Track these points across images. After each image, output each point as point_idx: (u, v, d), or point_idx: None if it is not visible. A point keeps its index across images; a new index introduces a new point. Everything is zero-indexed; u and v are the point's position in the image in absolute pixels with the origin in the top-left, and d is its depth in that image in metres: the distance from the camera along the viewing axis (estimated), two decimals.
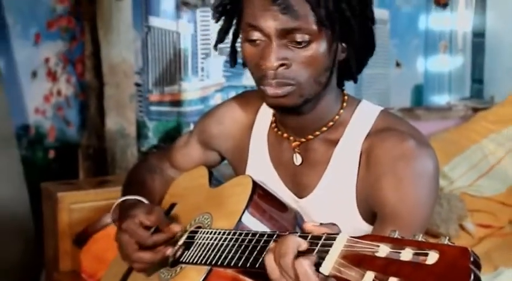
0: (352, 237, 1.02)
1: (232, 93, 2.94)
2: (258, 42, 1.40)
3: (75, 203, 2.67)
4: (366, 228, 1.47)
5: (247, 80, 3.10)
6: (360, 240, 0.99)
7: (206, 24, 3.00)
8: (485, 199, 3.18)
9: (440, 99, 3.83)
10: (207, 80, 3.04)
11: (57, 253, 2.67)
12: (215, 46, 1.56)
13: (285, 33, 1.37)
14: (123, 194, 1.70)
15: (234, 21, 1.51)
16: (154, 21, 3.00)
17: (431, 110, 3.66)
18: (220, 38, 1.52)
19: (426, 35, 3.74)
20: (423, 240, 0.93)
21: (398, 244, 0.94)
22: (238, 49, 1.53)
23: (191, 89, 3.01)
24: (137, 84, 3.13)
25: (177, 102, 3.01)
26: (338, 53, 1.44)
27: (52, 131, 3.57)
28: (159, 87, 3.05)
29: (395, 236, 0.96)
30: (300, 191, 1.54)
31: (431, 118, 3.55)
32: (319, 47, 1.39)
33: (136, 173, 1.81)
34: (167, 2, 2.96)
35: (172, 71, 3.00)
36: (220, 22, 1.54)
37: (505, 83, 3.71)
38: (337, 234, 1.05)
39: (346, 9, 1.40)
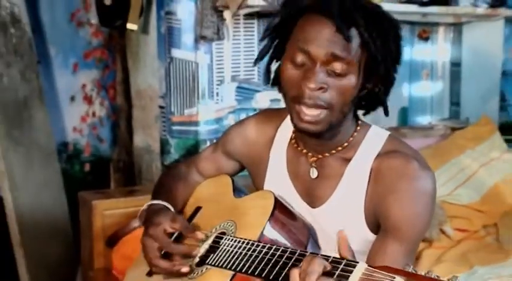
0: (369, 266, 1.02)
1: (243, 115, 2.94)
2: (301, 65, 1.38)
3: (108, 210, 2.67)
4: (371, 238, 1.47)
5: (256, 103, 3.11)
6: (376, 270, 0.99)
7: (220, 55, 3.01)
8: (462, 207, 3.16)
9: (423, 119, 3.82)
10: (221, 103, 3.05)
11: (92, 253, 2.68)
12: (255, 63, 1.56)
13: (329, 62, 1.35)
14: (153, 196, 1.71)
15: (274, 44, 1.49)
16: (175, 53, 3.01)
17: (415, 129, 3.65)
18: (262, 56, 1.51)
19: (410, 65, 3.74)
20: (436, 277, 0.91)
21: (412, 278, 0.93)
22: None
23: (207, 111, 3.02)
24: (161, 107, 3.14)
25: (195, 123, 3.01)
26: (365, 87, 1.43)
27: (87, 147, 3.58)
28: (179, 110, 3.06)
29: (410, 271, 0.95)
30: (314, 202, 1.53)
31: (415, 136, 3.54)
32: (353, 80, 1.38)
33: (163, 181, 1.80)
34: (187, 36, 2.97)
35: (191, 95, 3.00)
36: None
37: (478, 106, 3.71)
38: (357, 262, 1.05)
39: (386, 58, 1.41)
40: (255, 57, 1.53)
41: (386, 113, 1.50)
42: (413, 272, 0.94)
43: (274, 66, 1.52)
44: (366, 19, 1.38)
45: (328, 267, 1.09)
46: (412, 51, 3.72)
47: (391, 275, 0.95)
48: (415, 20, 3.52)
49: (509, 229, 3.10)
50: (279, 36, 1.47)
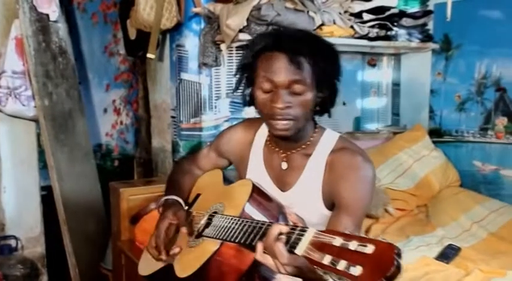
0: (318, 230, 1.02)
1: (235, 123, 2.94)
2: (269, 91, 1.40)
3: (132, 196, 2.67)
4: (327, 213, 1.50)
5: (246, 114, 3.11)
6: (322, 233, 1.00)
7: (218, 77, 3.02)
8: (401, 192, 3.19)
9: (371, 126, 3.84)
10: (218, 113, 3.05)
11: (120, 228, 2.68)
12: (233, 92, 1.58)
13: (289, 86, 1.38)
14: (166, 189, 1.73)
15: (245, 75, 1.51)
16: (184, 76, 3.02)
17: (366, 134, 3.68)
18: (236, 87, 1.55)
19: (362, 84, 3.76)
20: (365, 236, 0.93)
21: (348, 237, 0.94)
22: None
23: (208, 120, 3.02)
24: (172, 117, 3.14)
25: (199, 129, 3.02)
26: (318, 97, 1.45)
27: (116, 148, 3.59)
28: (187, 119, 3.06)
29: (346, 232, 0.97)
30: (284, 187, 1.56)
31: (366, 138, 3.57)
32: (309, 95, 1.41)
33: (173, 177, 1.82)
34: (192, 63, 2.98)
35: (196, 108, 3.01)
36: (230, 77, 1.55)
37: (413, 116, 3.74)
38: (308, 228, 1.06)
39: (330, 73, 1.44)
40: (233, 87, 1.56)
41: (329, 116, 1.53)
42: (349, 233, 0.95)
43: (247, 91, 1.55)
44: (310, 47, 1.40)
45: (284, 230, 1.09)
46: (363, 74, 3.74)
47: (332, 236, 0.96)
48: (366, 51, 3.55)
49: (436, 208, 3.13)
50: (248, 71, 1.50)
